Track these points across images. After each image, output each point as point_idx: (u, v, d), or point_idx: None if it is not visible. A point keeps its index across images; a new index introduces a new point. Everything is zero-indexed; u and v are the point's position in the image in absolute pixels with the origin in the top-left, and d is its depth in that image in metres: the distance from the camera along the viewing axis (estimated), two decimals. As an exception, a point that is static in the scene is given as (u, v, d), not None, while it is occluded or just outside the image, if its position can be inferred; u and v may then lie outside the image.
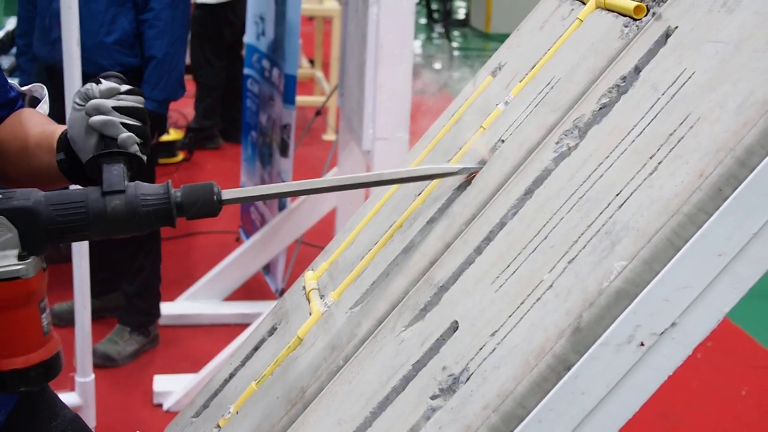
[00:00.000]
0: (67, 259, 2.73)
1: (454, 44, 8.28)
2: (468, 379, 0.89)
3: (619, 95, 0.97)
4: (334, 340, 1.18)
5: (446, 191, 1.20)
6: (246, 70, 4.15)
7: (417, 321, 1.05)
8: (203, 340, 3.55)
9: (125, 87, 1.12)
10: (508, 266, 0.96)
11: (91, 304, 2.49)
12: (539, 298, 0.87)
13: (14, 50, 3.90)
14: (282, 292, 3.57)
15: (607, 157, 0.91)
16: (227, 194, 1.07)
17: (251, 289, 3.86)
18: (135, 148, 1.10)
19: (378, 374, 1.04)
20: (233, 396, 1.34)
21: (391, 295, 1.14)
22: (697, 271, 0.77)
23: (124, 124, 1.10)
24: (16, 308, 1.00)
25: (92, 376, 2.57)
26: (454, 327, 0.98)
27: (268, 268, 3.82)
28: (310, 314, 1.28)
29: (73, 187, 1.15)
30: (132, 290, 3.36)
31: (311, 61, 7.49)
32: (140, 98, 1.12)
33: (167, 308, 3.65)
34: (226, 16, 5.60)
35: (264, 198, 1.14)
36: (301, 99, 5.48)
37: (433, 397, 0.92)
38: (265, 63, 3.83)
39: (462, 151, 1.25)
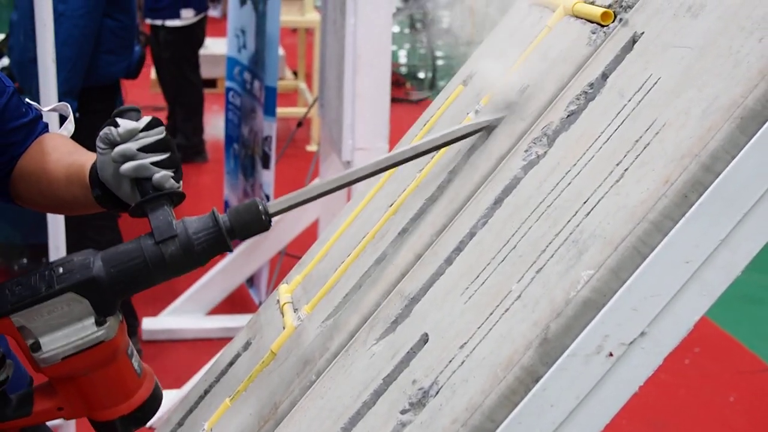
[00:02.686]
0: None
1: (438, 53, 8.28)
2: (437, 393, 0.88)
3: (586, 102, 0.96)
4: (306, 355, 1.16)
5: (418, 201, 1.19)
6: (227, 83, 4.14)
7: (388, 334, 1.04)
8: (187, 354, 3.52)
9: (142, 122, 1.09)
10: (478, 277, 0.94)
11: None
12: (507, 309, 0.86)
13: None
14: (266, 305, 3.55)
15: (574, 164, 0.90)
16: (273, 206, 1.11)
17: (235, 302, 3.84)
18: (171, 183, 1.08)
19: (350, 389, 1.02)
20: (208, 413, 1.32)
21: (362, 307, 1.13)
22: (665, 279, 0.75)
23: (153, 163, 1.07)
24: (108, 365, 1.06)
25: (73, 393, 2.54)
26: (425, 339, 0.96)
27: (251, 281, 3.79)
28: (284, 328, 1.27)
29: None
30: None
31: (295, 73, 7.48)
32: (160, 128, 1.09)
33: (150, 323, 3.62)
34: (197, 34, 5.63)
35: (310, 200, 1.15)
36: (284, 110, 5.48)
37: (403, 412, 0.91)
38: (247, 75, 3.82)
39: (434, 160, 1.24)
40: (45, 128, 1.31)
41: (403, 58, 8.89)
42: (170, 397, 3.08)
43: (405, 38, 8.53)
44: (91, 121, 3.10)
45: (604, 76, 0.95)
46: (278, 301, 1.38)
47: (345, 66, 2.56)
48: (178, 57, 5.60)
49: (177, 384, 3.17)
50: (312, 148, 6.08)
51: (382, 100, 2.55)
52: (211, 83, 7.06)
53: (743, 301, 3.69)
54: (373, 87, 2.54)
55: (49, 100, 2.24)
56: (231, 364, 1.37)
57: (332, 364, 1.11)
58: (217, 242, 1.05)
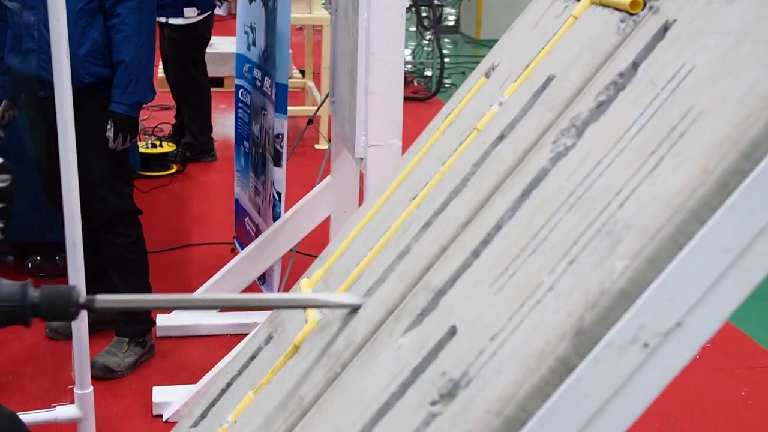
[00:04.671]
0: (64, 272, 2.71)
1: (445, 51, 8.26)
2: (468, 384, 0.87)
3: (616, 92, 0.95)
4: (330, 348, 1.16)
5: (442, 194, 1.19)
6: (237, 81, 4.14)
7: (414, 326, 1.03)
8: (201, 350, 3.53)
9: None
10: (507, 269, 0.94)
11: (88, 317, 2.46)
12: (539, 301, 0.85)
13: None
14: (277, 302, 3.54)
15: (605, 155, 0.89)
16: (99, 301, 1.05)
17: (247, 300, 3.84)
18: None
19: (376, 381, 1.02)
20: (231, 405, 1.32)
21: (387, 300, 1.12)
22: (703, 268, 0.75)
23: None
24: None
25: (91, 388, 2.55)
26: (453, 332, 0.96)
27: (263, 278, 3.79)
28: (306, 322, 1.26)
29: None
30: None
31: (302, 72, 7.48)
32: (5, 176, 1.09)
33: (164, 319, 3.63)
34: (202, 33, 5.63)
35: (138, 308, 1.14)
36: (292, 109, 5.47)
37: (433, 403, 0.90)
38: (257, 73, 3.82)
39: (457, 153, 1.23)
40: None
41: (409, 56, 8.88)
42: (186, 392, 3.09)
43: (411, 36, 8.52)
44: (102, 116, 3.13)
45: (635, 65, 0.94)
46: (299, 295, 1.37)
47: (358, 62, 2.55)
48: (183, 55, 5.61)
49: (192, 379, 3.18)
50: (320, 146, 6.07)
51: (395, 96, 2.54)
52: (219, 82, 7.06)
53: (754, 297, 3.66)
54: (387, 83, 2.53)
55: (63, 96, 2.23)
56: (253, 357, 1.37)
57: (357, 356, 1.10)
58: (15, 316, 1.04)
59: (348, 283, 1.25)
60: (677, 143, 0.80)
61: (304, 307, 1.20)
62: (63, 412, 2.44)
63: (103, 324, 3.52)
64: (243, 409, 1.27)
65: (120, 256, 3.29)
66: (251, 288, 3.82)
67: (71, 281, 2.54)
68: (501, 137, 1.14)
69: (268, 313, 3.38)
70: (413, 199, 1.25)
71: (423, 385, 0.94)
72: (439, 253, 1.10)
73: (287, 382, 1.20)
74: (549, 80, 1.11)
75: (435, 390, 0.91)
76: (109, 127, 3.10)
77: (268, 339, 1.38)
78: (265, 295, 1.11)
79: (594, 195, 0.87)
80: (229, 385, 1.40)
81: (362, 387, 1.04)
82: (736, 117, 0.75)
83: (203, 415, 1.40)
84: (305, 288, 1.37)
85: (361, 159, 2.60)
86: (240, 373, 1.39)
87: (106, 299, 1.07)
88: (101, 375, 3.24)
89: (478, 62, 1.39)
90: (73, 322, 2.59)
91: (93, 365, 3.15)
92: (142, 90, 3.14)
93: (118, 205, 3.28)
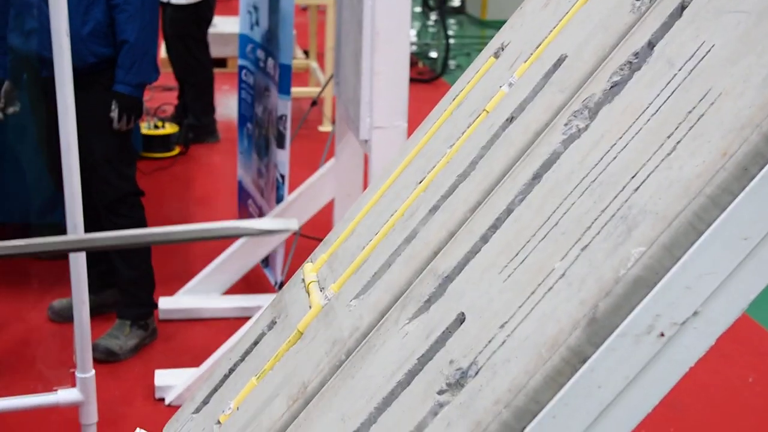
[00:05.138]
0: (65, 254, 2.69)
1: (450, 32, 8.20)
2: (477, 373, 0.85)
3: (631, 72, 0.92)
4: (335, 334, 1.13)
5: (449, 178, 1.16)
6: (240, 61, 4.10)
7: (421, 313, 1.01)
8: (203, 333, 3.51)
9: None
10: (517, 255, 0.91)
11: (90, 300, 2.44)
12: (551, 288, 0.83)
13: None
14: (281, 285, 3.53)
15: (620, 138, 0.87)
16: None
17: (250, 283, 3.83)
18: None
19: (382, 368, 1.00)
20: (233, 391, 1.29)
21: (393, 286, 1.10)
22: (721, 256, 0.72)
23: None
24: None
25: (92, 372, 2.53)
26: (461, 319, 0.93)
27: (266, 261, 3.77)
28: (310, 307, 1.24)
29: None
30: (127, 279, 3.35)
31: (306, 52, 7.43)
32: None
33: (167, 303, 3.61)
34: (204, 13, 5.59)
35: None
36: (296, 90, 5.43)
37: (441, 392, 0.88)
38: (260, 53, 3.78)
39: (465, 135, 1.20)
40: None
41: (414, 37, 8.82)
42: (188, 376, 3.08)
43: (416, 17, 8.46)
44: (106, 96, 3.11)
45: (651, 45, 0.91)
46: (303, 280, 1.35)
47: (363, 43, 2.51)
48: (185, 35, 5.56)
49: (195, 363, 3.17)
50: (324, 128, 6.03)
51: (400, 77, 2.51)
52: (222, 62, 7.02)
53: (762, 281, 3.64)
54: (392, 64, 2.50)
55: (63, 76, 2.20)
56: (256, 343, 1.35)
57: (363, 343, 1.08)
58: None
59: (353, 268, 1.22)
60: (695, 126, 0.77)
61: (228, 237, 1.10)
62: (64, 395, 2.42)
63: (105, 307, 3.51)
64: (246, 395, 1.24)
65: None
66: (255, 271, 3.80)
67: (72, 263, 2.52)
68: (511, 119, 1.11)
69: (272, 296, 3.36)
70: (420, 182, 1.23)
71: (430, 373, 0.91)
72: (446, 238, 1.08)
73: (291, 369, 1.17)
74: (560, 60, 1.08)
75: (442, 379, 0.88)
76: (113, 107, 3.08)
77: (272, 324, 1.36)
78: (185, 227, 1.06)
79: (608, 179, 0.85)
80: (231, 370, 1.38)
81: (367, 374, 1.01)
82: (758, 99, 0.72)
83: (205, 401, 1.38)
84: (309, 272, 1.35)
85: (366, 141, 2.57)
86: (243, 359, 1.37)
87: None
88: (103, 358, 3.23)
89: (484, 43, 1.36)
90: (74, 305, 2.58)
91: (95, 348, 3.14)
92: (146, 70, 3.12)
93: (121, 187, 3.26)
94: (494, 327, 0.86)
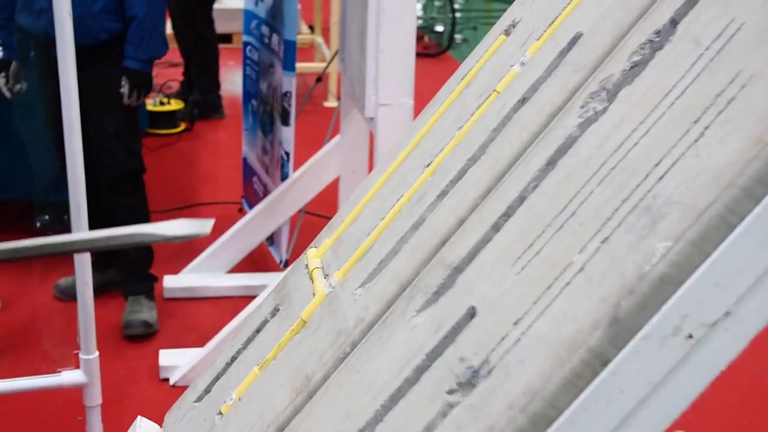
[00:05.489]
0: (69, 232, 2.66)
1: (456, 6, 8.10)
2: (489, 373, 0.80)
3: (653, 52, 0.86)
4: (339, 324, 1.09)
5: (458, 162, 1.11)
6: (245, 37, 4.04)
7: (430, 305, 0.96)
8: (208, 312, 3.49)
9: None
10: (531, 245, 0.86)
11: (94, 278, 2.41)
12: (568, 283, 0.77)
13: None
14: (286, 263, 3.49)
15: (642, 122, 0.81)
16: None
17: (255, 261, 3.79)
18: None
19: (388, 363, 0.95)
20: (236, 381, 1.25)
21: (400, 275, 1.05)
22: (755, 252, 0.67)
23: None
24: None
25: (96, 354, 2.50)
26: (471, 313, 0.88)
27: (271, 239, 3.73)
28: (314, 295, 1.19)
29: None
30: (135, 258, 3.37)
31: (311, 27, 7.35)
32: None
33: (171, 281, 3.58)
34: None
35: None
36: (301, 66, 5.37)
37: (451, 392, 0.83)
38: (264, 29, 3.72)
39: (474, 117, 1.15)
40: None
41: (419, 11, 8.72)
42: (193, 356, 3.05)
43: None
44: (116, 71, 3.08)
45: (674, 23, 0.86)
46: (307, 266, 1.30)
47: (368, 19, 2.45)
48: (190, 11, 5.52)
49: (200, 342, 3.14)
50: (329, 104, 5.97)
51: (407, 54, 2.45)
52: (227, 38, 6.94)
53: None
54: (398, 41, 2.44)
55: (66, 57, 2.15)
56: (258, 330, 1.31)
57: (368, 335, 1.03)
58: None
59: (359, 255, 1.17)
60: (725, 110, 0.72)
61: (135, 244, 1.06)
62: (68, 377, 2.39)
63: (109, 284, 3.49)
64: (248, 385, 1.20)
65: (123, 216, 3.26)
66: (260, 249, 3.76)
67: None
68: (523, 100, 1.06)
69: (277, 274, 3.32)
70: (428, 165, 1.17)
71: (439, 370, 0.87)
72: (456, 226, 1.02)
73: (294, 359, 1.13)
74: (576, 39, 1.03)
75: (452, 377, 0.84)
76: (123, 83, 3.07)
77: (275, 311, 1.31)
78: (88, 235, 1.00)
79: (629, 166, 0.79)
80: (234, 358, 1.33)
81: (373, 369, 0.97)
82: (796, 82, 0.66)
83: (207, 390, 1.33)
84: (313, 258, 1.30)
85: (372, 119, 2.51)
86: (245, 346, 1.32)
87: None
88: (142, 332, 3.26)
89: (491, 17, 1.30)
90: (77, 287, 2.54)
91: (129, 326, 3.20)
92: (155, 45, 3.12)
93: (128, 162, 3.26)
94: (507, 323, 0.81)
